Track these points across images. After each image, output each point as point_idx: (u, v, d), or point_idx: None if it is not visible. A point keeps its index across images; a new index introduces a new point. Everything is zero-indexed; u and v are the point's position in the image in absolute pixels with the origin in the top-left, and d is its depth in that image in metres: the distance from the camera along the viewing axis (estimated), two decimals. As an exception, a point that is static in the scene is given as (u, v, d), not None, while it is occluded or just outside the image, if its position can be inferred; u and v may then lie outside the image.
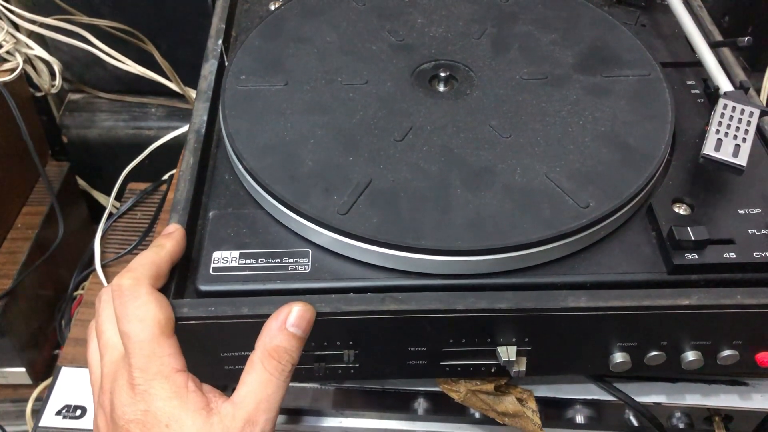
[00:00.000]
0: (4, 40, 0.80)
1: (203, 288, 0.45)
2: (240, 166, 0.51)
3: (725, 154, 0.48)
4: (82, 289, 0.79)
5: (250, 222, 0.49)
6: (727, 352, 0.48)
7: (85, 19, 0.87)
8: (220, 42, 0.62)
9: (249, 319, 0.43)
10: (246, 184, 0.51)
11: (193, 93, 0.92)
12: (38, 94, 0.90)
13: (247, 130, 0.52)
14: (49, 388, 0.61)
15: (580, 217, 0.46)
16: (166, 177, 0.86)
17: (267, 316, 0.41)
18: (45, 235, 0.84)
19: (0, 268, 0.79)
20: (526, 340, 0.47)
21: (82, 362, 0.63)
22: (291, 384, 0.41)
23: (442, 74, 0.57)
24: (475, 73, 0.58)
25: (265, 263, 0.46)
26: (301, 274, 0.46)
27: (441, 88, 0.57)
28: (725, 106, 0.51)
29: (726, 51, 0.61)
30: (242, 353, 0.46)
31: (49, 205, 0.86)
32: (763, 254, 0.46)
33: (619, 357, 0.48)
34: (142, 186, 0.86)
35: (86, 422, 0.58)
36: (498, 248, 0.45)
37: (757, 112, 0.51)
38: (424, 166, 0.50)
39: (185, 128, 0.86)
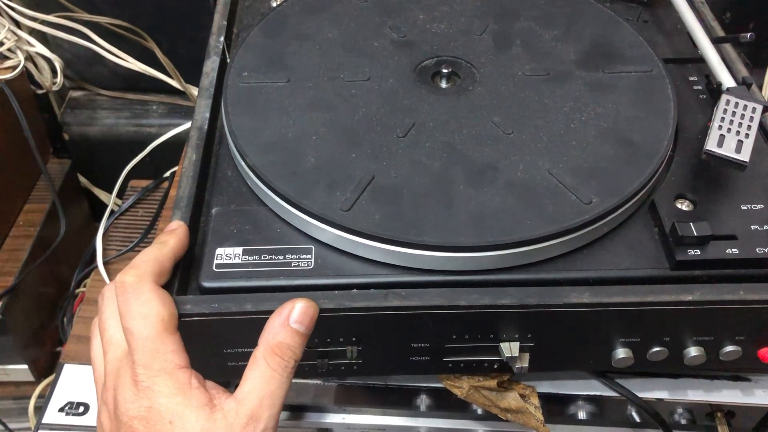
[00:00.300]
0: (5, 37, 0.80)
1: (206, 284, 0.45)
2: (242, 163, 0.51)
3: (728, 150, 0.48)
4: (84, 286, 0.79)
5: (252, 218, 0.49)
6: (729, 348, 0.48)
7: (87, 17, 0.87)
8: (222, 39, 0.62)
9: (252, 316, 0.43)
10: (249, 180, 0.51)
11: (194, 90, 0.92)
12: (40, 92, 0.90)
13: (249, 127, 0.52)
14: (52, 386, 0.61)
15: (583, 214, 0.46)
16: (167, 174, 0.86)
17: (270, 312, 0.41)
18: (47, 233, 0.84)
19: (2, 265, 0.79)
20: (529, 336, 0.47)
21: (84, 359, 0.63)
22: (294, 380, 0.41)
23: (445, 71, 0.57)
24: (478, 70, 0.58)
25: (268, 260, 0.46)
26: (304, 271, 0.46)
27: (443, 85, 0.57)
28: (728, 102, 0.51)
29: (728, 47, 0.61)
30: (245, 350, 0.46)
31: (50, 202, 0.86)
32: (766, 250, 0.46)
33: (621, 353, 0.48)
34: (144, 183, 0.86)
35: (89, 419, 0.59)
36: (501, 244, 0.45)
37: (759, 108, 0.51)
38: (427, 162, 0.50)
39: (187, 125, 0.86)
